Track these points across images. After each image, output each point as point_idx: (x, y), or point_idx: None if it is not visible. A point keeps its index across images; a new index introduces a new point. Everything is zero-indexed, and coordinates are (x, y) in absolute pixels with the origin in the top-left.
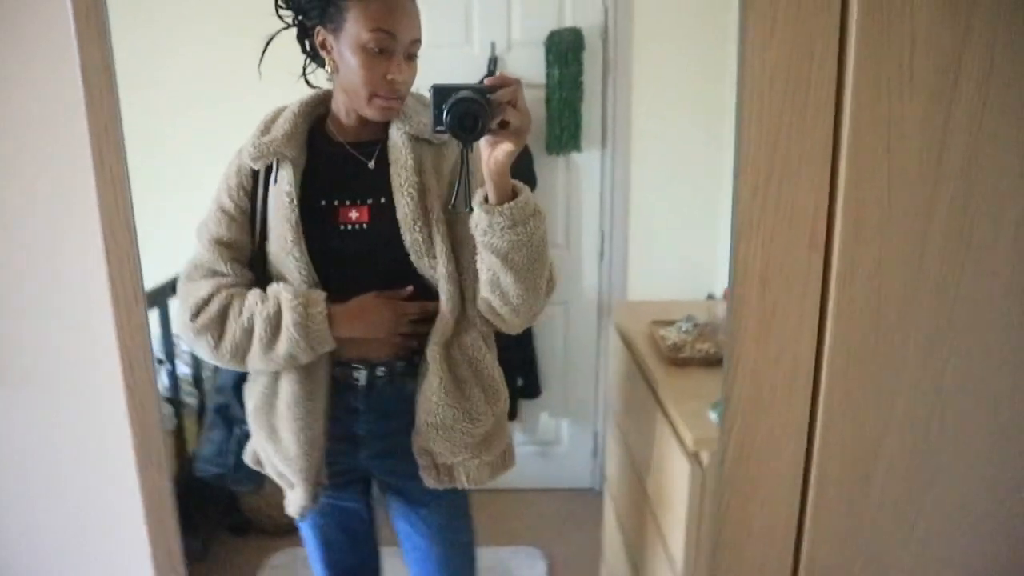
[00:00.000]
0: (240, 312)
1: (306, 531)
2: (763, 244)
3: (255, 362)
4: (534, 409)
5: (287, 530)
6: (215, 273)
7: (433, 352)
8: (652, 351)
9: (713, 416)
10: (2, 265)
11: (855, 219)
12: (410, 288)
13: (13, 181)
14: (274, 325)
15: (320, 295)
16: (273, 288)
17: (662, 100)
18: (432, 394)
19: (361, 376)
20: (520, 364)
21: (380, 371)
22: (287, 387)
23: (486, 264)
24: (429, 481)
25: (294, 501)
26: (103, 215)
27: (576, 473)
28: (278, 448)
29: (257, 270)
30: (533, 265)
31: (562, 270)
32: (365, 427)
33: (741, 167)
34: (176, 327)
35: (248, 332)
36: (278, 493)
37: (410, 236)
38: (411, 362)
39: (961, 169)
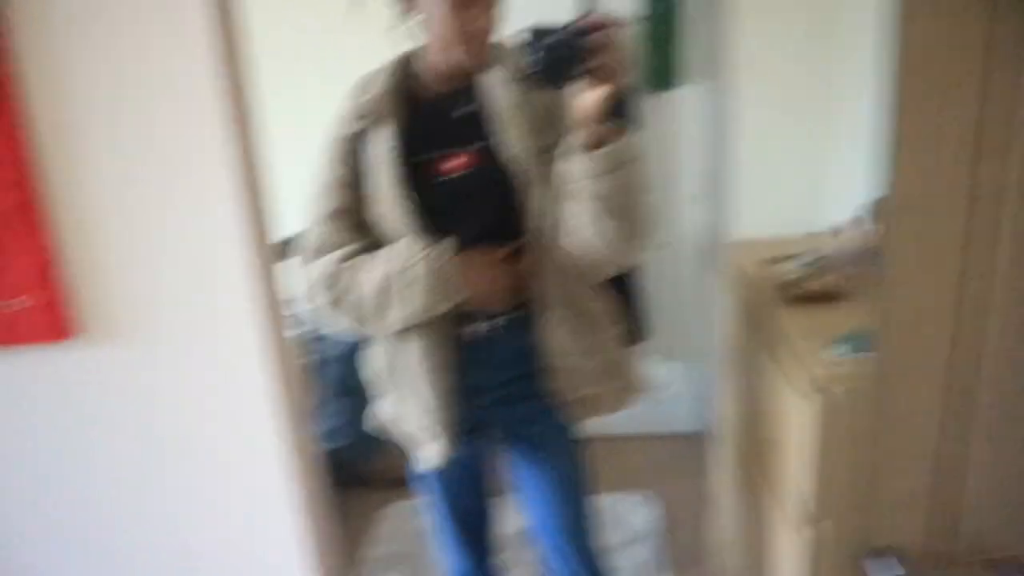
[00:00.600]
0: (372, 274)
1: (428, 478)
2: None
3: (394, 321)
4: (643, 354)
5: (397, 483)
6: (335, 246)
7: (537, 292)
8: (769, 289)
9: (839, 351)
10: (144, 230)
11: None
12: (506, 249)
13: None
14: (410, 279)
15: (447, 245)
16: (399, 244)
17: (768, 31)
18: (545, 335)
19: (482, 327)
20: (629, 310)
21: (501, 320)
22: (416, 342)
23: (586, 209)
24: (564, 415)
25: (436, 451)
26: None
27: (688, 418)
28: (417, 403)
29: (371, 232)
30: (634, 207)
31: (666, 211)
32: (486, 377)
33: (901, 79)
34: (311, 306)
35: (386, 291)
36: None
37: (520, 172)
38: (527, 309)
39: None
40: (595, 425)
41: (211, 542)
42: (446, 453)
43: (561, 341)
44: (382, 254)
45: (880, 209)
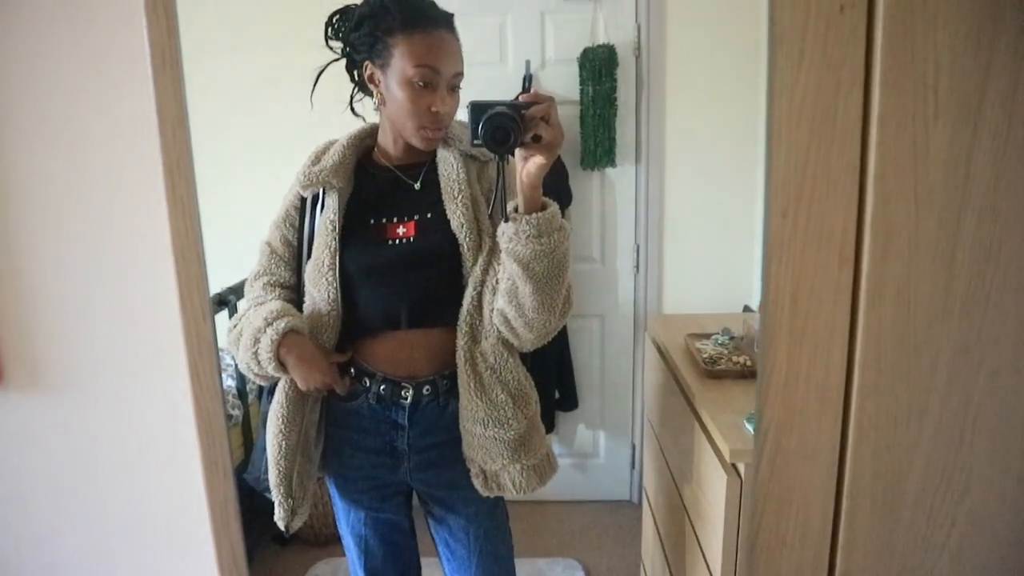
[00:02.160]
0: (246, 321)
1: (348, 542)
2: (794, 263)
3: (243, 367)
4: (571, 422)
5: (328, 540)
6: (256, 298)
7: (460, 359)
8: (689, 364)
9: (749, 427)
10: (75, 277)
11: (884, 238)
12: (347, 355)
13: (89, 195)
14: (248, 336)
15: (287, 324)
16: (275, 303)
17: (695, 115)
18: (465, 401)
19: (408, 394)
20: (557, 377)
21: (426, 389)
22: (277, 395)
23: (507, 272)
24: (480, 488)
25: (279, 514)
26: (175, 242)
27: (614, 485)
28: (270, 455)
29: (297, 292)
30: (552, 279)
31: (597, 284)
32: (408, 442)
33: (771, 189)
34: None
35: (238, 339)
36: (320, 504)
37: (463, 242)
38: (453, 378)
39: (987, 189)
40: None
41: None
42: (281, 517)
43: (475, 411)
44: (264, 306)
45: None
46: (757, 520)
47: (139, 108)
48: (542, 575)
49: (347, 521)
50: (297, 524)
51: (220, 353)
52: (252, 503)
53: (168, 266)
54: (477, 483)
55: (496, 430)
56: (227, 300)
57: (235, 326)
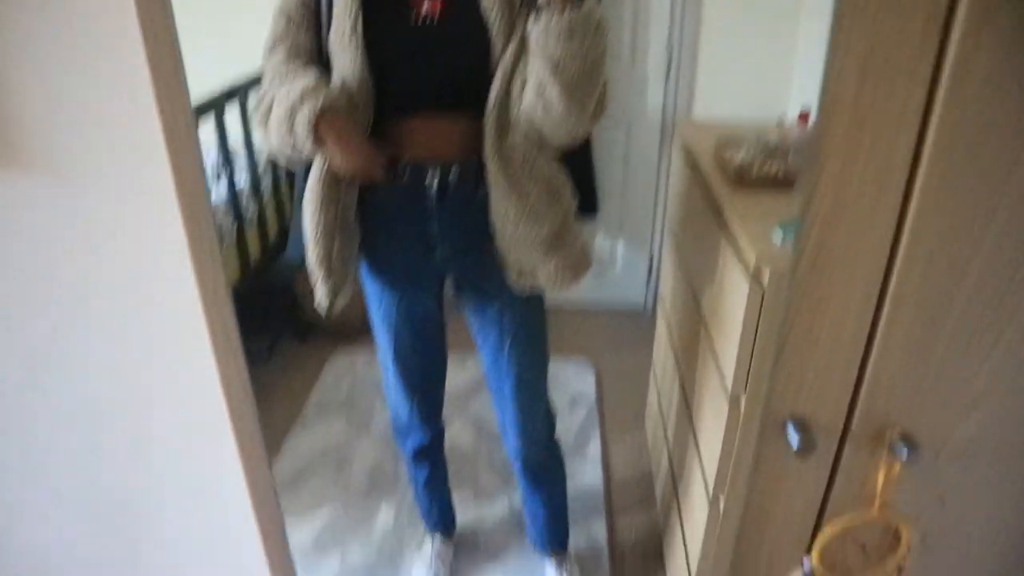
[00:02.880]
0: (279, 94)
1: (379, 331)
2: (869, 26)
3: (273, 149)
4: (590, 229)
5: (347, 334)
6: (280, 74)
7: (488, 152)
8: (717, 171)
9: (778, 236)
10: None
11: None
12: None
13: None
14: (281, 113)
15: (325, 100)
16: (308, 78)
17: None
18: (495, 196)
19: (435, 178)
20: (578, 182)
21: (453, 173)
22: (313, 171)
23: (536, 69)
24: (513, 284)
25: (320, 293)
26: (148, 43)
27: (629, 294)
28: (309, 235)
29: (322, 66)
30: (584, 82)
31: (624, 87)
32: (439, 228)
33: None
34: (258, 131)
35: (268, 115)
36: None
37: (492, 27)
38: (482, 166)
39: None
40: (546, 297)
41: (122, 389)
42: (321, 299)
43: (506, 207)
44: (296, 78)
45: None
46: (791, 319)
47: None
48: (554, 374)
49: (379, 309)
50: (340, 305)
51: (230, 152)
52: (271, 300)
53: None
54: (511, 277)
55: (528, 227)
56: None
57: (261, 102)
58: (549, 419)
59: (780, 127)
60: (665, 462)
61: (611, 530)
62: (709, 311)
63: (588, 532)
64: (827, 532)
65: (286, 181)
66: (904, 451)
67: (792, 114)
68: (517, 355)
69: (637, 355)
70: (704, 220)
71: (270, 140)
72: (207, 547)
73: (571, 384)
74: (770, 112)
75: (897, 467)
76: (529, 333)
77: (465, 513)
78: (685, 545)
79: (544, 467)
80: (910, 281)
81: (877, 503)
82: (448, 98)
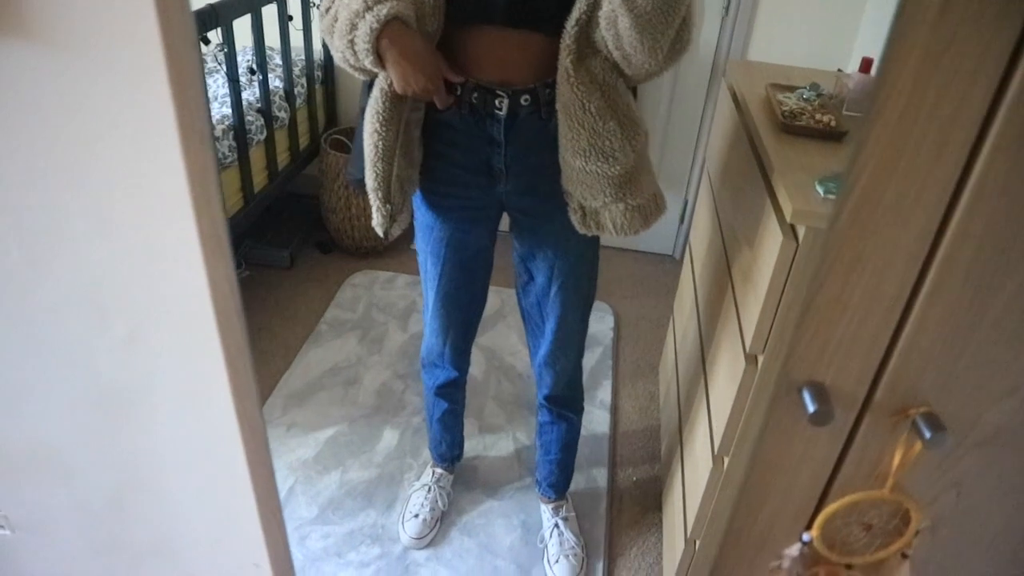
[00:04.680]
0: (344, 3)
1: (425, 261)
2: None
3: (339, 60)
4: None
5: (368, 252)
6: None
7: (562, 77)
8: (765, 116)
9: (820, 190)
10: None
11: None
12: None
13: None
14: (343, 23)
15: (390, 9)
16: None
17: None
18: (565, 129)
19: (503, 104)
20: None
21: (524, 99)
22: (375, 89)
23: (614, 6)
24: (577, 225)
25: (378, 219)
26: None
27: (659, 239)
28: (368, 159)
29: None
30: (658, 17)
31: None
32: (505, 160)
33: None
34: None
35: (333, 25)
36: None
37: None
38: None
39: None
40: None
41: (117, 277)
42: (380, 223)
43: (577, 140)
44: None
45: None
46: (822, 276)
47: None
48: None
49: (429, 239)
50: (396, 232)
51: (266, 51)
52: (296, 211)
53: None
54: (575, 219)
55: (599, 163)
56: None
57: (328, 10)
58: (581, 360)
59: (838, 76)
60: (674, 416)
61: (612, 478)
62: (737, 263)
63: (589, 476)
64: (832, 507)
65: (322, 88)
66: (927, 432)
67: (852, 67)
68: (563, 300)
69: (659, 303)
70: (744, 166)
71: (335, 50)
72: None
73: (590, 325)
74: (829, 65)
75: (918, 447)
76: (578, 283)
77: (468, 445)
78: (684, 502)
79: (568, 405)
80: (962, 252)
81: (890, 483)
82: (527, 10)
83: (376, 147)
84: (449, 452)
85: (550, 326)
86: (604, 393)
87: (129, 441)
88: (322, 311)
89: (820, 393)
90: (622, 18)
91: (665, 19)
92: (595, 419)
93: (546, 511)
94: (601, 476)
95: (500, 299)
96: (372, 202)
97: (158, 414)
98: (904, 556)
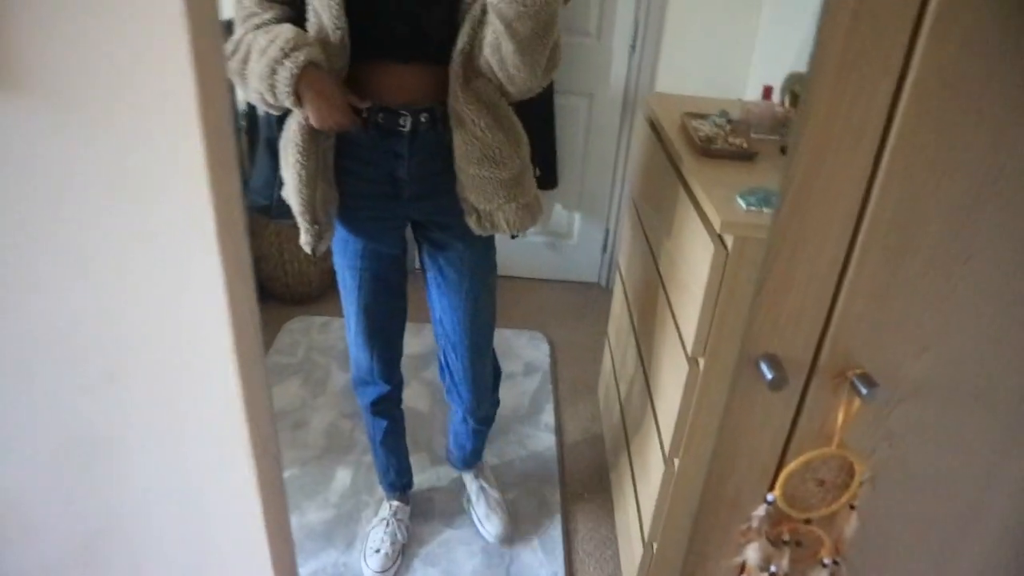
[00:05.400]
0: (255, 44)
1: (343, 277)
2: None
3: (253, 96)
4: (549, 201)
5: (302, 299)
6: (253, 16)
7: (453, 98)
8: (683, 141)
9: (742, 203)
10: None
11: None
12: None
13: None
14: (262, 64)
15: (306, 56)
16: (285, 28)
17: None
18: (460, 140)
19: (407, 122)
20: (538, 154)
21: (423, 117)
22: (291, 124)
23: (491, 27)
24: (473, 227)
25: (304, 238)
26: None
27: (585, 267)
28: (290, 183)
29: (294, 8)
30: (536, 40)
31: (589, 60)
32: (408, 171)
33: None
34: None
35: (245, 63)
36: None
37: None
38: (446, 111)
39: None
40: (500, 266)
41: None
42: (307, 241)
43: (470, 150)
44: (274, 30)
45: (791, 84)
46: (770, 262)
47: None
48: (508, 344)
49: (345, 254)
50: (322, 248)
51: None
52: None
53: None
54: (471, 222)
55: (491, 169)
56: None
57: (235, 52)
58: (496, 373)
59: (742, 103)
60: (619, 426)
61: (564, 497)
62: (671, 277)
63: (541, 499)
64: (791, 466)
65: (246, 138)
66: (864, 389)
67: (751, 94)
68: (474, 296)
69: (591, 327)
70: (668, 187)
71: (247, 92)
72: (184, 486)
73: (525, 353)
74: (729, 92)
75: (857, 404)
76: (484, 279)
77: (421, 477)
78: (638, 508)
79: (488, 418)
80: (878, 228)
81: (836, 439)
82: (417, 47)
83: (299, 176)
84: (398, 480)
85: (464, 329)
86: (547, 416)
87: (105, 488)
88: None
89: (775, 362)
90: (505, 43)
91: (541, 42)
92: (541, 442)
93: (468, 480)
94: (553, 496)
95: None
96: (300, 224)
97: (136, 457)
98: (852, 507)
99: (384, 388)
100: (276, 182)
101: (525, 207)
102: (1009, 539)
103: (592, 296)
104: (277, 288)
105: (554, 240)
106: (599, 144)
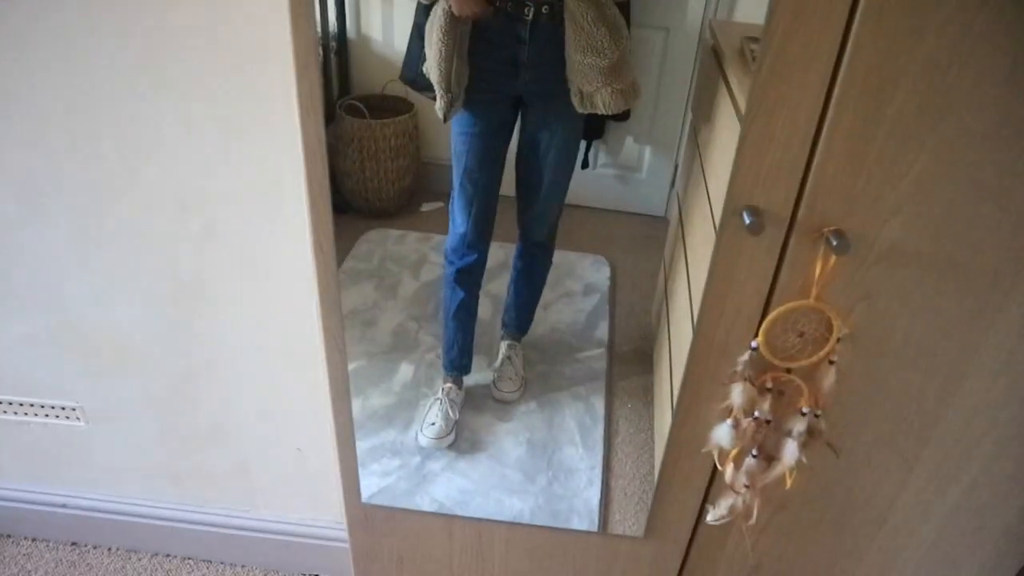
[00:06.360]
0: None
1: (457, 145)
2: None
3: None
4: (620, 133)
5: (380, 213)
6: None
7: None
8: (740, 63)
9: None
10: None
11: None
12: None
13: None
14: None
15: None
16: None
17: None
18: (571, 31)
19: (530, 12)
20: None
21: (544, 8)
22: (439, 8)
23: None
24: (576, 106)
25: (440, 106)
26: None
27: (652, 201)
28: (431, 55)
29: None
30: None
31: None
32: (528, 55)
33: None
34: None
35: None
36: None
37: None
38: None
39: None
40: (570, 196)
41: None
42: (443, 108)
43: (578, 40)
44: None
45: None
46: (750, 117)
47: None
48: (571, 265)
49: (460, 123)
50: (452, 115)
51: None
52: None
53: None
54: (575, 101)
55: (593, 57)
56: None
57: None
58: (559, 216)
59: None
60: (664, 341)
61: (608, 403)
62: (715, 191)
63: (588, 402)
64: (772, 315)
65: (336, 58)
66: (835, 242)
67: None
68: (561, 155)
69: (654, 256)
70: (722, 111)
71: None
72: (262, 328)
73: (587, 275)
74: None
75: (832, 260)
76: (570, 150)
77: (478, 378)
78: (673, 407)
79: (543, 249)
80: (851, 89)
81: (814, 292)
82: None
83: (440, 52)
84: (459, 359)
85: (545, 171)
86: (602, 333)
87: (202, 332)
88: (340, 263)
89: (756, 213)
90: None
91: None
92: (593, 354)
93: (503, 346)
94: (598, 402)
95: (505, 253)
96: (437, 92)
97: (228, 309)
98: (831, 363)
99: (471, 257)
100: (420, 58)
101: (619, 92)
102: (983, 419)
103: (658, 228)
104: (358, 202)
105: (624, 173)
106: (672, 79)
